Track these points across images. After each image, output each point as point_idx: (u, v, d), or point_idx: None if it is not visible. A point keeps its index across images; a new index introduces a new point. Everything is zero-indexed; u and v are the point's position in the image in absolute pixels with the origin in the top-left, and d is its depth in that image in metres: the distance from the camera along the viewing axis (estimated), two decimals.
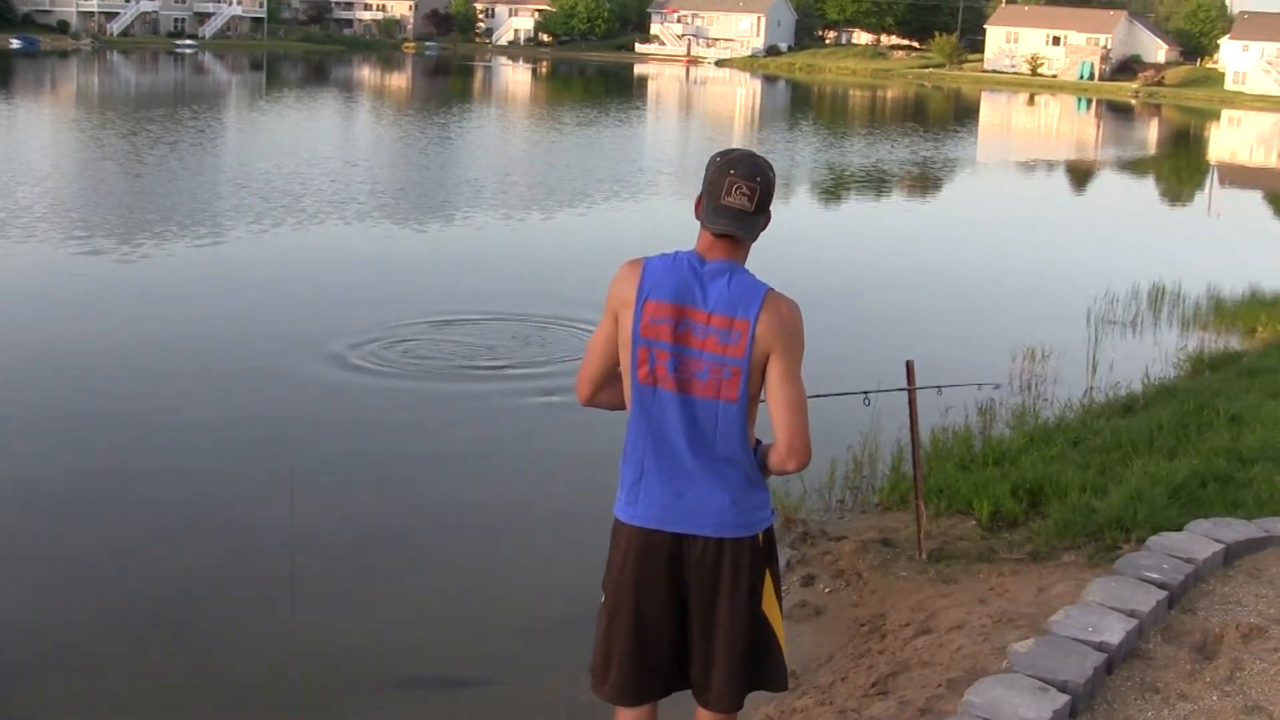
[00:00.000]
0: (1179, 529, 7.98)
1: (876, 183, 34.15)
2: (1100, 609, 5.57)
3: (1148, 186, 42.48)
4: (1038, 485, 8.91)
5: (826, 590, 7.78)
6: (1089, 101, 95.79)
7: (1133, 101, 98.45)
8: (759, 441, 4.28)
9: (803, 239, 21.49)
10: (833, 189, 32.44)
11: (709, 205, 4.10)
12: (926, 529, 8.11)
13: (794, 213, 25.94)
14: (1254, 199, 40.28)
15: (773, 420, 4.14)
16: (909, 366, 7.84)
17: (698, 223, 4.18)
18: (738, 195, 4.05)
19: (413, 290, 16.36)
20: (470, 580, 8.08)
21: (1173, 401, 11.14)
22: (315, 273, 17.51)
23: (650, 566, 4.22)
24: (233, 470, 9.76)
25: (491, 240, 21.01)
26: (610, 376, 4.32)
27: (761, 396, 4.20)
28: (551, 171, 30.51)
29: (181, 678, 6.72)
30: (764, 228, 4.16)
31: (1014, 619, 6.90)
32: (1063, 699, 4.76)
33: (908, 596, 7.50)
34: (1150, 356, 13.92)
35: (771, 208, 4.15)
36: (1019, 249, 23.50)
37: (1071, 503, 8.49)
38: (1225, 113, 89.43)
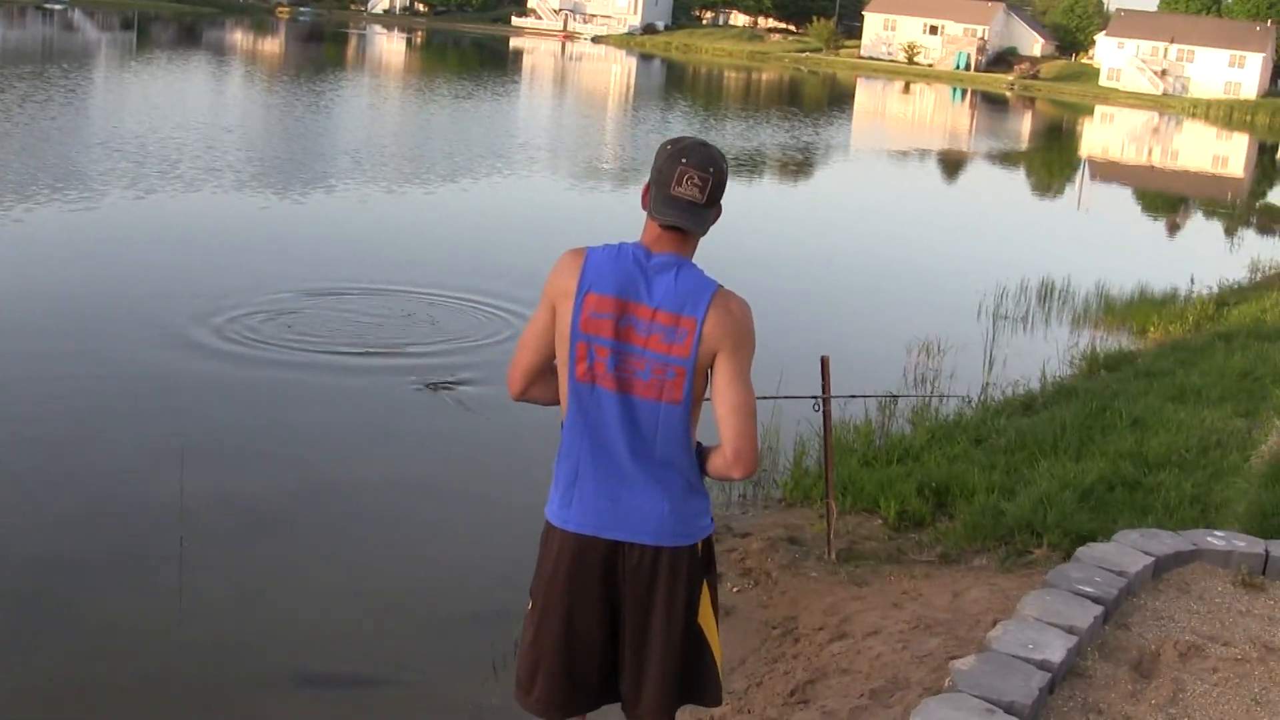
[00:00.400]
0: (1091, 535, 7.94)
1: (752, 166, 34.03)
2: (1038, 624, 5.39)
3: (1019, 179, 43.00)
4: (944, 485, 8.81)
5: (735, 590, 7.55)
6: (964, 92, 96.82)
7: (1008, 94, 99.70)
8: (699, 444, 4.01)
9: None
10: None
11: (657, 195, 3.85)
12: (834, 527, 7.92)
13: None
14: (1124, 195, 40.93)
15: (719, 424, 3.89)
16: (824, 363, 7.63)
17: (644, 213, 3.92)
18: (689, 186, 3.80)
19: (296, 262, 15.87)
20: (367, 571, 7.71)
21: (1073, 401, 11.10)
22: (193, 241, 16.81)
23: (583, 574, 3.97)
24: (112, 447, 9.29)
25: (374, 214, 20.46)
26: (544, 370, 4.07)
27: (706, 396, 3.94)
28: (430, 145, 29.96)
29: (58, 675, 6.29)
30: (714, 221, 3.92)
31: (931, 626, 6.75)
32: None
33: (819, 598, 7.31)
34: (1044, 354, 13.90)
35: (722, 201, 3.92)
36: (900, 238, 23.44)
37: (979, 504, 8.40)
38: (1098, 108, 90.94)
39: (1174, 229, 31.74)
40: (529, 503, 8.52)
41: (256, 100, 40.32)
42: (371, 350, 11.99)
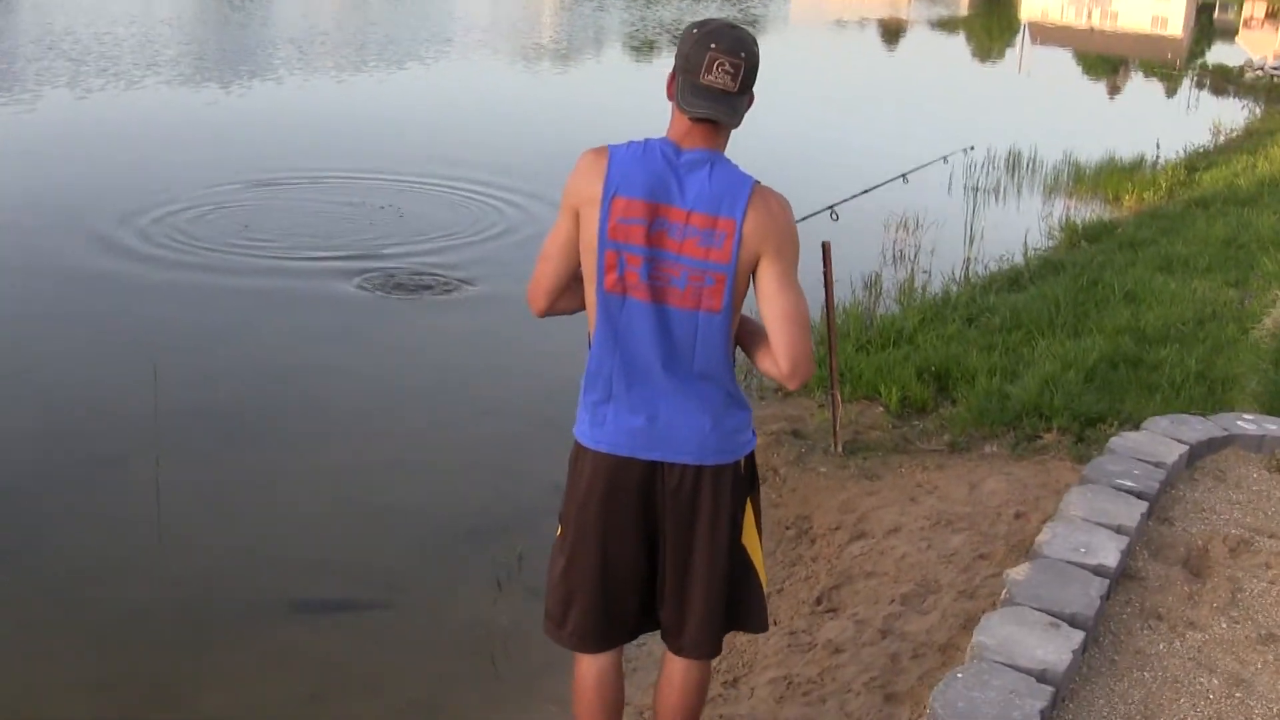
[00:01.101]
0: (1101, 417, 7.73)
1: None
2: (1087, 525, 5.14)
3: (960, 45, 42.54)
4: (943, 368, 8.55)
5: None
6: None
7: None
8: (744, 317, 3.70)
9: (636, 105, 20.74)
10: (639, 47, 31.58)
11: (685, 85, 3.49)
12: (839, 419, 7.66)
13: (617, 74, 25.22)
14: (1064, 57, 40.50)
15: (770, 333, 3.56)
16: (825, 249, 7.29)
17: (670, 103, 3.56)
18: (719, 73, 3.45)
19: (256, 156, 15.26)
20: (353, 486, 7.33)
21: (1061, 275, 10.86)
22: (145, 139, 16.16)
23: (619, 498, 3.67)
24: (75, 360, 8.83)
25: (326, 102, 19.84)
26: (569, 283, 3.72)
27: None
28: (373, 30, 29.07)
29: (38, 608, 5.93)
30: (747, 109, 3.56)
31: (952, 521, 6.52)
32: (1078, 635, 4.34)
33: (831, 495, 7.05)
34: (1021, 226, 13.62)
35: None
36: (855, 111, 23.00)
37: (982, 388, 8.16)
38: None
39: (1114, 91, 31.45)
40: (521, 407, 8.41)
41: None
42: (339, 250, 11.55)
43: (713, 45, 3.45)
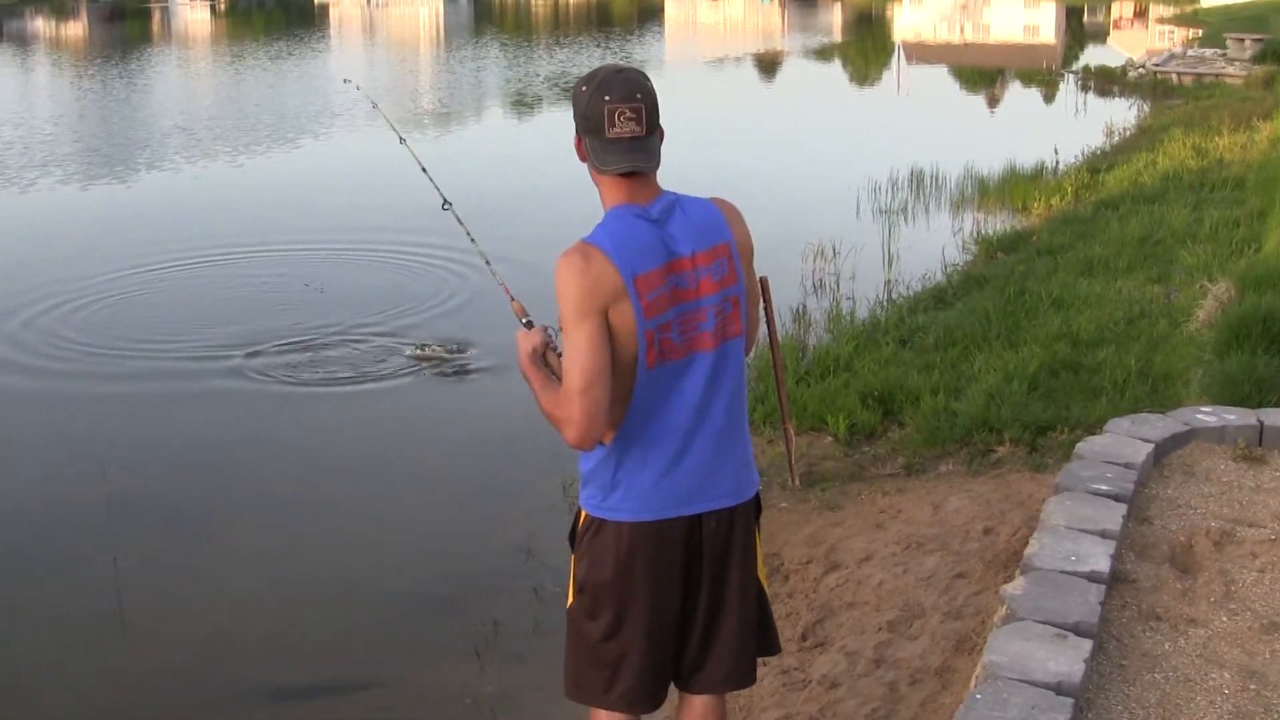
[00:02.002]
0: (1051, 425, 7.80)
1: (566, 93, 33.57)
2: (1071, 533, 5.16)
3: (837, 71, 43.01)
4: (886, 392, 8.58)
5: None
6: None
7: None
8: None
9: (509, 157, 20.87)
10: (526, 102, 31.64)
11: (596, 146, 3.49)
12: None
13: (497, 132, 25.30)
14: (940, 74, 41.02)
15: (752, 323, 3.76)
16: (764, 284, 7.28)
17: (585, 168, 3.59)
18: (624, 123, 3.45)
19: (162, 240, 14.98)
20: (317, 566, 7.21)
21: (986, 288, 10.97)
22: (51, 238, 15.76)
23: (663, 560, 3.65)
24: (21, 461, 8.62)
25: (227, 184, 19.55)
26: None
27: None
28: (259, 110, 28.77)
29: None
30: (660, 143, 3.57)
31: (922, 543, 6.55)
32: (1086, 644, 4.34)
33: (797, 529, 7.04)
34: (936, 243, 13.75)
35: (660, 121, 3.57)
36: (748, 145, 23.08)
37: (929, 408, 8.21)
38: None
39: (994, 102, 31.95)
40: (467, 473, 8.33)
41: (71, 88, 38.23)
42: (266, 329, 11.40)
43: (607, 98, 3.45)
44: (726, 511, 3.67)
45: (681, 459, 3.60)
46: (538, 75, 36.23)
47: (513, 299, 4.12)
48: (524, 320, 3.92)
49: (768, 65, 42.97)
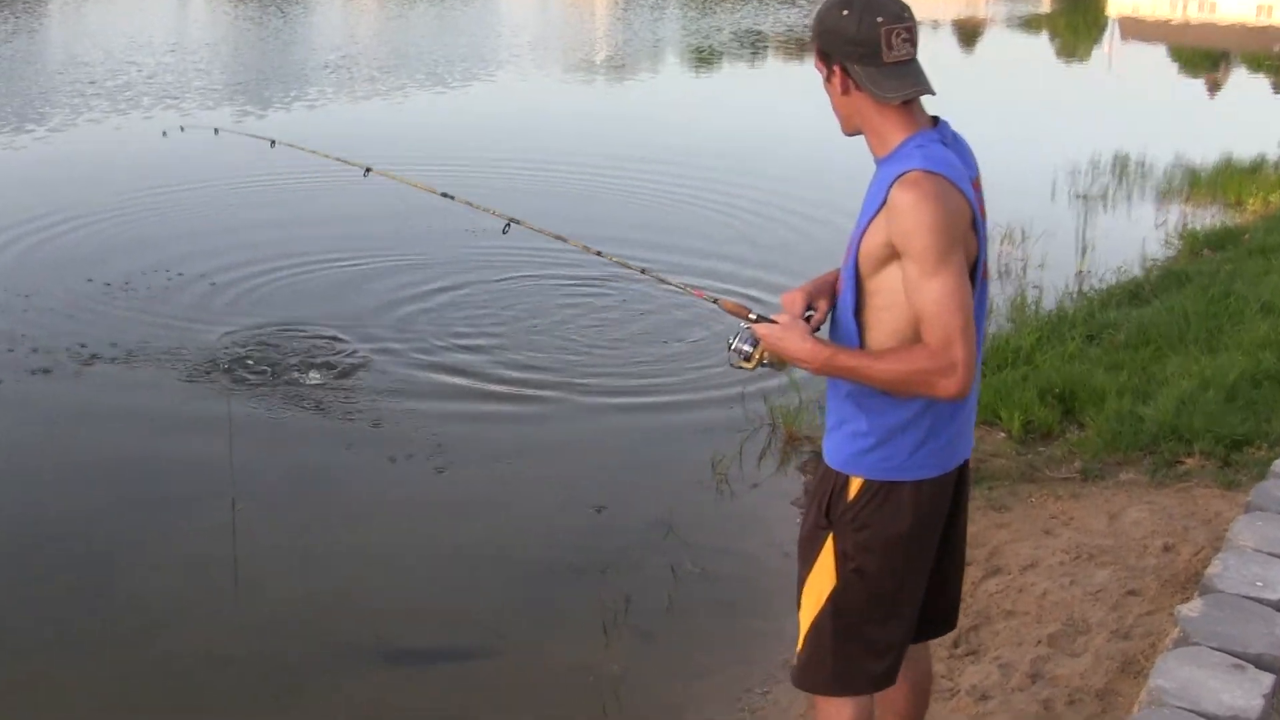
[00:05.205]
0: (1247, 440, 7.58)
1: (756, 50, 33.40)
2: (1260, 556, 5.01)
3: (1044, 44, 42.21)
4: (1068, 390, 8.42)
5: None
6: None
7: None
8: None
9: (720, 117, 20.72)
10: (708, 57, 31.56)
11: (872, 73, 3.43)
12: None
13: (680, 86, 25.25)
14: (1156, 53, 40.09)
15: None
16: None
17: (844, 100, 3.54)
18: (901, 45, 3.42)
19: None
20: (438, 527, 7.29)
21: (1187, 287, 10.69)
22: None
23: (936, 518, 3.68)
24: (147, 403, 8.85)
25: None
26: None
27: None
28: (423, 50, 29.08)
29: (118, 663, 5.88)
30: None
31: (1094, 555, 6.43)
32: (1267, 679, 4.21)
33: None
34: (1136, 235, 13.46)
35: None
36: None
37: (1113, 411, 8.03)
38: None
39: (1215, 88, 31.05)
40: (621, 447, 8.34)
41: (226, 18, 39.25)
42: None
43: (879, 19, 3.40)
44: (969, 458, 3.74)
45: (971, 398, 3.56)
46: (712, 27, 36.13)
47: (715, 300, 4.03)
48: (751, 317, 3.73)
49: (968, 34, 42.40)
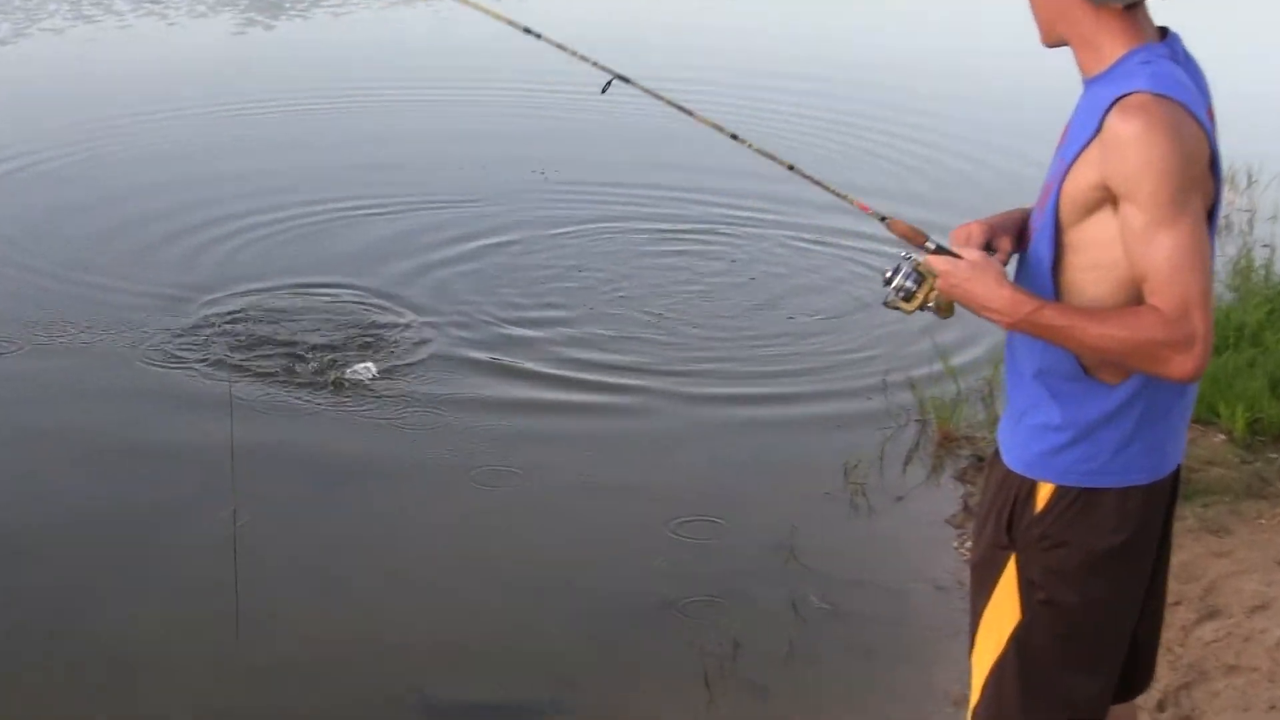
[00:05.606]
0: None
1: None
2: None
3: None
4: None
5: None
6: None
7: None
8: None
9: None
10: None
11: None
12: None
13: None
14: None
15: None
16: None
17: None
18: None
19: None
20: (493, 548, 7.28)
21: None
22: None
23: (1150, 534, 3.68)
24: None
25: None
26: None
27: None
28: None
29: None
30: None
31: None
32: None
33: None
34: None
35: None
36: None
37: None
38: None
39: None
40: (733, 449, 8.29)
41: None
42: None
43: None
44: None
45: (1190, 387, 3.58)
46: None
47: (883, 218, 3.97)
48: (930, 246, 3.73)
49: None
